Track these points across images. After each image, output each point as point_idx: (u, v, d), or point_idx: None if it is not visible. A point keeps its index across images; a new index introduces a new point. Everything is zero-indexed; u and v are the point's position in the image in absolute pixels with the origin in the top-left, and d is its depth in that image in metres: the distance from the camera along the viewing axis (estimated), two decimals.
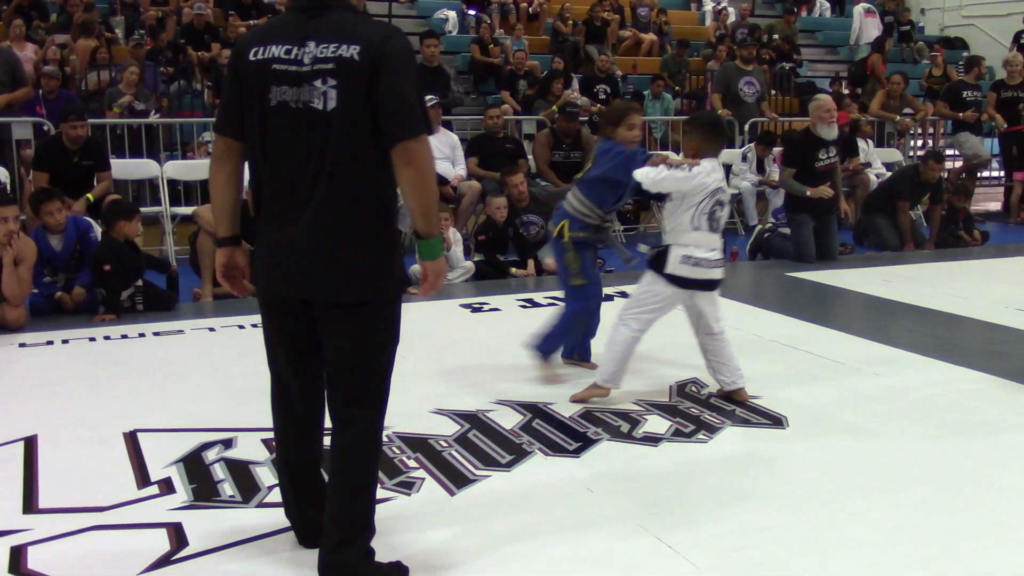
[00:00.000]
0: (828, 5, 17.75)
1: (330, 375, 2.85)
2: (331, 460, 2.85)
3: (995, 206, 12.60)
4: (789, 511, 3.39)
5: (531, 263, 7.95)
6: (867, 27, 16.12)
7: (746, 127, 11.17)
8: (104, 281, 6.27)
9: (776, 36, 14.78)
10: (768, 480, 3.67)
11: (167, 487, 3.59)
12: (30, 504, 3.46)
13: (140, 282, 6.47)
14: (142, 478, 3.68)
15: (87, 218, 6.91)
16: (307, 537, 3.04)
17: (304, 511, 3.03)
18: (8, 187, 8.14)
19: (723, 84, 11.60)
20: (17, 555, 3.06)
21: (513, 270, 7.88)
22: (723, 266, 4.50)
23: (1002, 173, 12.46)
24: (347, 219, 2.69)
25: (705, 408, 4.47)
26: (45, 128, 8.57)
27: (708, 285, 4.48)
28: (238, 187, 2.90)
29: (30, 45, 10.29)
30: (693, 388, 4.76)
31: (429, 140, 2.68)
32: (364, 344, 2.79)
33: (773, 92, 13.37)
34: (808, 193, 8.21)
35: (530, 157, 9.71)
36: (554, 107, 10.36)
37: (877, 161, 11.17)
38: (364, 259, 2.72)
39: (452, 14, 13.81)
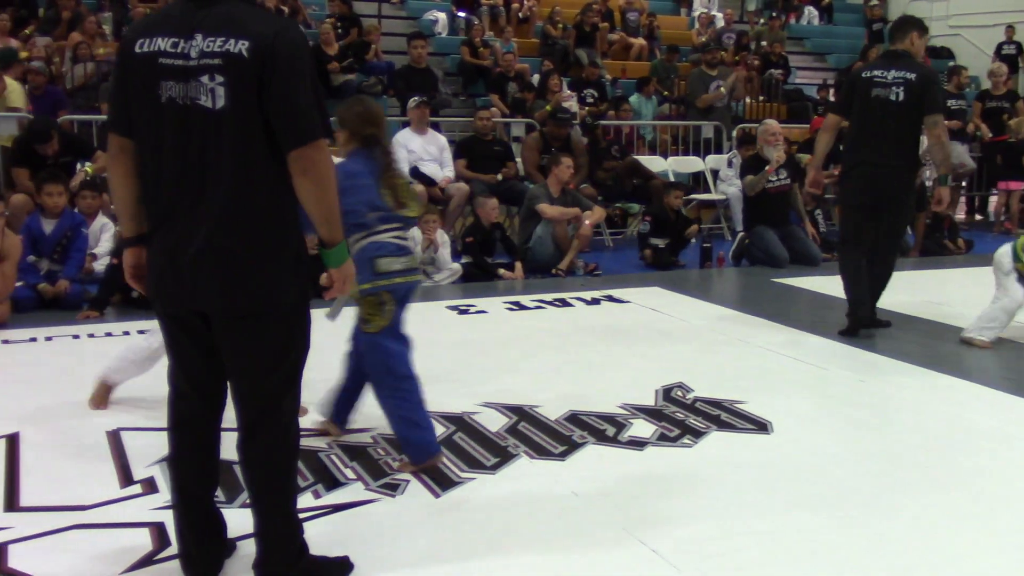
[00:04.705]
0: (816, 13, 17.83)
1: (235, 386, 2.74)
2: (245, 471, 2.78)
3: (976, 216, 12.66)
4: (773, 516, 3.40)
5: (518, 265, 7.95)
6: None
7: (734, 133, 11.20)
8: (114, 274, 6.14)
9: (764, 43, 14.84)
10: (752, 485, 3.68)
11: (150, 486, 3.57)
12: (12, 502, 3.44)
13: None
14: (125, 477, 3.67)
15: (81, 214, 6.93)
16: (202, 571, 2.87)
17: (199, 542, 2.85)
18: None
19: (700, 91, 11.64)
20: None
21: (501, 272, 7.88)
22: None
23: (963, 183, 12.42)
24: (239, 226, 2.56)
25: (691, 413, 4.47)
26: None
27: None
28: (137, 185, 2.71)
29: (14, 41, 10.23)
30: (679, 392, 4.77)
31: (325, 144, 2.56)
32: (265, 355, 2.68)
33: (761, 98, 13.43)
34: (767, 169, 8.53)
35: (518, 160, 9.71)
36: (547, 107, 10.37)
37: None
38: (258, 270, 2.59)
39: (442, 16, 13.79)
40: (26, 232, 6.54)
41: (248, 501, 2.85)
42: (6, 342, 5.64)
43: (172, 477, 2.87)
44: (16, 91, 9.05)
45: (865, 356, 5.55)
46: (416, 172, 9.11)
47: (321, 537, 3.17)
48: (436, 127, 9.70)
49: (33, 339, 5.69)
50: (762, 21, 15.35)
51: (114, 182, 2.75)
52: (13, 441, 4.01)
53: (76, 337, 5.76)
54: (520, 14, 14.24)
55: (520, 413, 4.42)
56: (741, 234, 9.06)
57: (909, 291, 7.53)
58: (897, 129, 5.82)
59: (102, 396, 4.47)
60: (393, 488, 3.58)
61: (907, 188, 5.98)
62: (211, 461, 2.87)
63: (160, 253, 2.66)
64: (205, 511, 2.87)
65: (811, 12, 17.79)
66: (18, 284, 6.24)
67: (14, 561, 3.00)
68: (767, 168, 8.53)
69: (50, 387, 4.77)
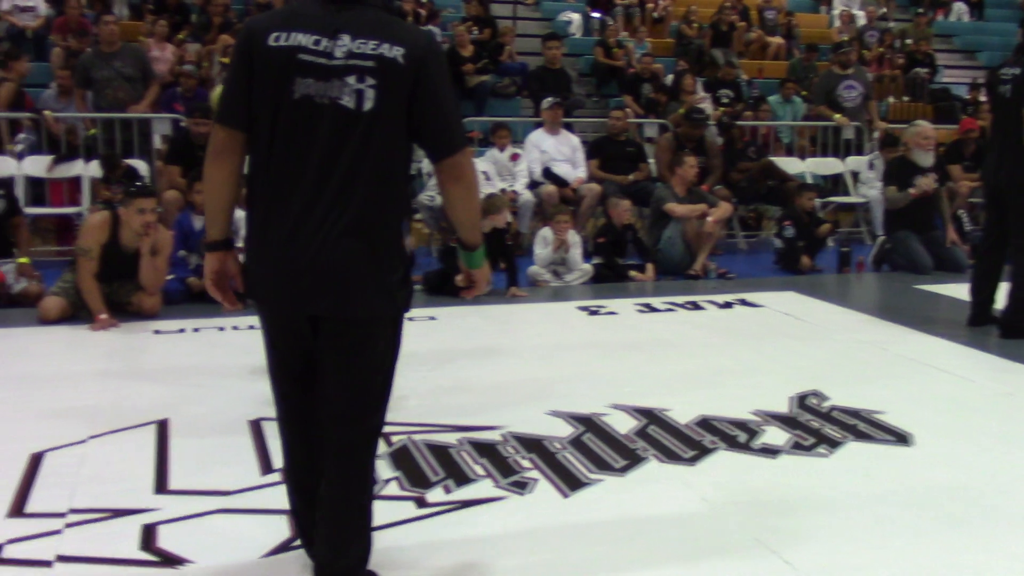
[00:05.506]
0: (966, 8, 17.08)
1: (337, 391, 2.65)
2: (333, 474, 2.68)
3: None
4: (914, 533, 3.28)
5: (650, 267, 7.89)
6: None
7: (876, 134, 10.84)
8: None
9: (909, 40, 14.31)
10: (892, 500, 3.55)
11: None
12: (162, 485, 3.62)
13: None
14: (265, 465, 3.80)
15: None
16: None
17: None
18: (148, 180, 8.51)
19: (823, 92, 11.26)
20: (149, 533, 3.21)
21: (632, 273, 7.84)
22: None
23: None
24: (370, 229, 2.52)
25: (826, 421, 4.36)
26: (182, 124, 8.93)
27: None
28: (239, 185, 2.62)
29: (169, 46, 10.71)
30: (814, 400, 4.65)
31: (471, 152, 2.61)
32: (370, 363, 2.64)
33: (906, 98, 12.96)
34: (911, 192, 8.24)
35: (651, 161, 9.64)
36: (680, 110, 10.27)
37: None
38: (388, 270, 2.58)
39: (576, 16, 13.81)
40: (177, 228, 6.84)
41: (331, 515, 2.71)
42: (157, 332, 5.92)
43: (285, 470, 2.90)
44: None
45: (1012, 367, 5.29)
46: (548, 172, 9.15)
47: (449, 533, 3.23)
48: (569, 127, 9.72)
49: (182, 330, 5.97)
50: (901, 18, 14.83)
51: (215, 180, 2.62)
52: (163, 427, 4.22)
53: (221, 329, 6.00)
54: (655, 14, 14.14)
55: (649, 416, 4.39)
56: (882, 238, 8.77)
57: None
58: (1005, 125, 5.86)
59: None
60: (522, 487, 3.61)
61: (1019, 185, 5.81)
62: (320, 454, 2.81)
63: (275, 253, 2.56)
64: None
65: (960, 8, 17.05)
66: (169, 278, 6.55)
67: (163, 541, 3.15)
68: (911, 191, 8.21)
69: (197, 376, 4.99)
